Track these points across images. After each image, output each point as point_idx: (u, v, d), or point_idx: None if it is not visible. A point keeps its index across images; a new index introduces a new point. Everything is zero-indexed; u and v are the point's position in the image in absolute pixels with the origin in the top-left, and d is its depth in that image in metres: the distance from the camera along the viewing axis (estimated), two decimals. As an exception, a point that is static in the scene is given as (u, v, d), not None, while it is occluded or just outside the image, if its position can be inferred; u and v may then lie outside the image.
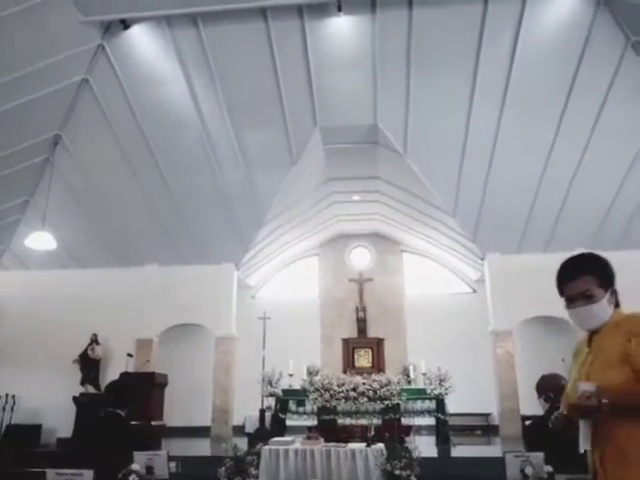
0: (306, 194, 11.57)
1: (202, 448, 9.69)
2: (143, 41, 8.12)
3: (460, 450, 8.26)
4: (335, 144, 9.99)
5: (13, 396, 10.82)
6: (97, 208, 10.82)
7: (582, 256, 2.17)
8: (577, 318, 2.10)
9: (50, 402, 10.68)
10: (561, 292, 2.17)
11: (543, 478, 3.05)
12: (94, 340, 11.54)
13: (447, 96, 8.68)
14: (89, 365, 11.37)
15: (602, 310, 2.06)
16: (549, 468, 3.02)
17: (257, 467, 4.81)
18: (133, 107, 8.93)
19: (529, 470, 3.28)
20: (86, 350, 11.43)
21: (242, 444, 6.06)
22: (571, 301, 2.11)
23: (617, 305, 2.09)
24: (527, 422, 4.57)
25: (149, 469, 3.76)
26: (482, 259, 11.87)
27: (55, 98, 8.58)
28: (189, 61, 8.37)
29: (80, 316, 11.66)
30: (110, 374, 10.82)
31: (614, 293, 2.12)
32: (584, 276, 2.08)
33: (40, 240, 9.14)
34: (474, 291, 13.79)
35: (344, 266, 14.60)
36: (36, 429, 10.09)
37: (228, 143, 9.50)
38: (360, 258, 14.75)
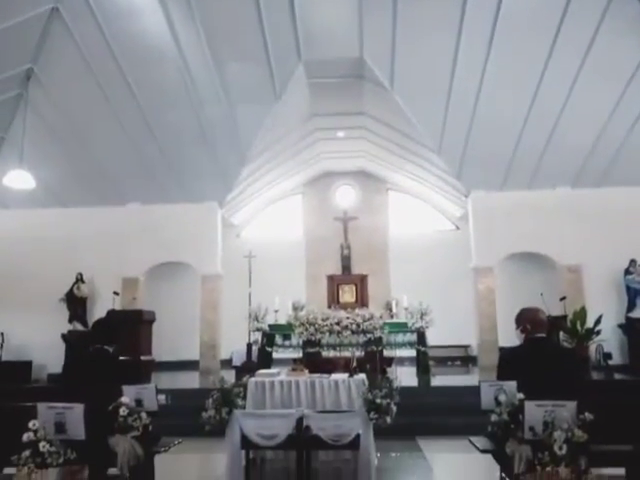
0: (290, 131, 11.36)
1: (191, 381, 10.01)
2: (115, -35, 7.63)
3: (439, 380, 8.64)
4: (320, 78, 9.70)
5: (2, 333, 10.94)
6: (75, 146, 10.53)
7: None
8: None
9: (39, 339, 10.83)
10: None
11: (515, 404, 3.22)
12: (79, 279, 11.58)
13: (435, 29, 8.39)
14: (76, 303, 11.48)
15: None
16: (521, 395, 3.18)
17: (244, 398, 4.99)
18: (108, 39, 8.49)
19: (502, 397, 3.45)
20: (72, 289, 11.49)
21: (230, 377, 6.27)
22: None
23: None
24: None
25: (138, 402, 3.88)
26: (466, 196, 11.94)
27: (24, 29, 8.10)
28: (165, -12, 7.91)
29: (64, 255, 11.64)
30: (97, 312, 10.95)
31: None
32: None
33: (18, 179, 8.94)
34: (457, 228, 13.96)
35: (329, 205, 14.59)
36: (27, 365, 10.26)
37: (208, 77, 9.17)
38: (345, 196, 14.73)
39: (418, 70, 9.09)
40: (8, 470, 2.89)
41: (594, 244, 10.88)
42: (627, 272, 10.88)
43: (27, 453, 2.69)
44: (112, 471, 3.47)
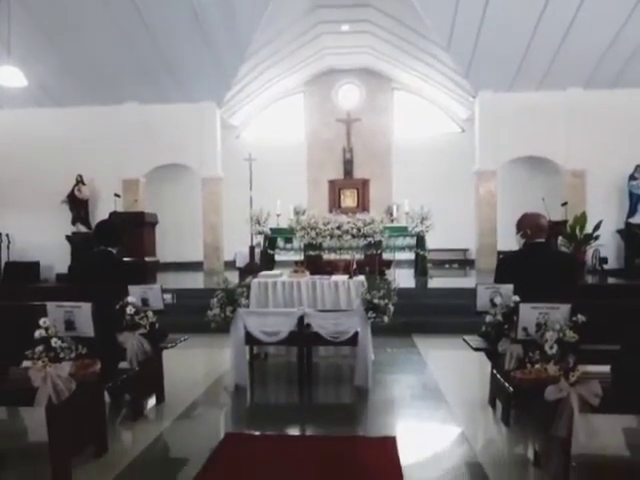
0: (291, 24, 10.72)
1: (195, 281, 10.29)
2: None
3: (436, 282, 8.86)
4: (322, -35, 9.00)
5: (7, 235, 11.08)
6: (66, 40, 9.96)
7: None
8: None
9: (44, 241, 10.99)
10: None
11: (510, 307, 3.31)
12: (80, 181, 11.52)
13: None
14: (78, 205, 11.51)
15: None
16: (516, 298, 3.26)
17: (247, 297, 5.14)
18: None
19: (498, 299, 3.55)
20: (73, 190, 11.47)
21: (233, 277, 6.43)
22: None
23: None
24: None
25: (144, 301, 4.00)
26: (473, 97, 11.53)
27: None
28: None
29: (62, 156, 11.48)
30: (99, 214, 11.01)
31: None
32: None
33: (8, 76, 8.57)
34: (463, 130, 13.63)
35: (331, 105, 14.13)
36: (34, 266, 10.51)
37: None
38: (348, 96, 14.22)
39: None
40: (24, 364, 3.03)
41: (601, 149, 10.67)
42: (632, 178, 10.78)
43: (40, 348, 2.80)
44: (123, 365, 3.67)
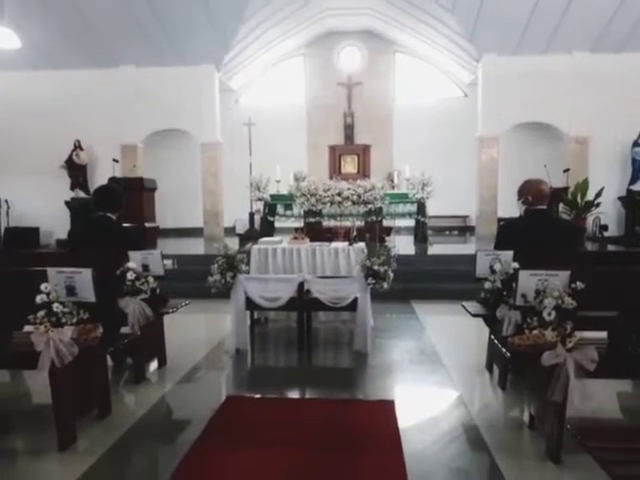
0: (291, -16, 10.41)
1: (196, 247, 10.31)
2: None
3: (436, 248, 8.88)
4: None
5: (6, 200, 11.04)
6: (60, 1, 9.69)
7: None
8: None
9: (44, 206, 10.96)
10: None
11: (509, 273, 3.31)
12: (78, 146, 11.41)
13: None
14: (76, 170, 11.43)
15: None
16: (516, 265, 3.26)
17: (247, 264, 5.16)
18: None
19: (497, 266, 3.55)
20: (71, 156, 11.36)
21: (233, 244, 6.44)
22: None
23: None
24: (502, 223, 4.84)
25: (145, 267, 4.01)
26: (477, 61, 11.30)
27: None
28: None
29: (59, 121, 11.33)
30: (98, 179, 10.93)
31: None
32: None
33: (1, 38, 8.37)
34: (465, 95, 13.41)
35: (332, 68, 13.85)
36: (34, 231, 10.51)
37: None
38: (350, 59, 13.92)
39: None
40: (26, 329, 3.06)
41: (605, 114, 10.51)
42: (635, 144, 10.66)
43: (42, 313, 2.82)
44: (125, 330, 3.71)
